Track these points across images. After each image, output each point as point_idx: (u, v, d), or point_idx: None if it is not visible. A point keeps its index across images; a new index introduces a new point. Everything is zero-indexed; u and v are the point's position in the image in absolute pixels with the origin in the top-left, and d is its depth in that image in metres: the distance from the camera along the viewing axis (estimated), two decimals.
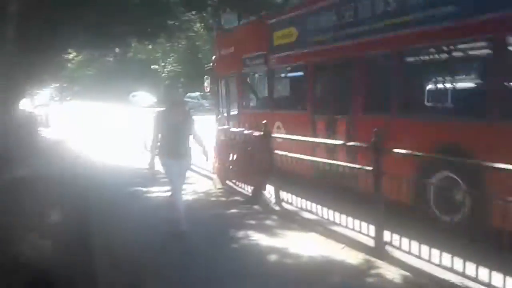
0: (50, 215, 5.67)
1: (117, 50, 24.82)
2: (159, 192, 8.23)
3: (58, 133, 17.72)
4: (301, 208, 6.25)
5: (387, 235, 4.76)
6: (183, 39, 34.55)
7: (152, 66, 44.52)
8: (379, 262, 4.56)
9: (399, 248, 4.61)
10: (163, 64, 43.71)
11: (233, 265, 4.58)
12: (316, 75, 8.13)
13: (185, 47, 41.17)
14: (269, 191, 7.07)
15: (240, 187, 7.97)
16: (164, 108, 5.83)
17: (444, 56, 5.86)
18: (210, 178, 9.07)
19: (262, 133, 7.15)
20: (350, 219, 5.24)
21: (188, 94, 36.45)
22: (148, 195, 8.15)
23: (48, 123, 21.28)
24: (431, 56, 6.09)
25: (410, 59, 6.39)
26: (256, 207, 6.95)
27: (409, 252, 4.48)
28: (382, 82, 6.65)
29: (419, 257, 4.36)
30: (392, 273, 4.31)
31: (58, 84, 26.87)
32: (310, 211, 6.01)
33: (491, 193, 4.06)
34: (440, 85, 6.02)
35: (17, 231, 4.45)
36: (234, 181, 8.31)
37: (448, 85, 5.91)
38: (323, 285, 4.14)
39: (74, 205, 6.33)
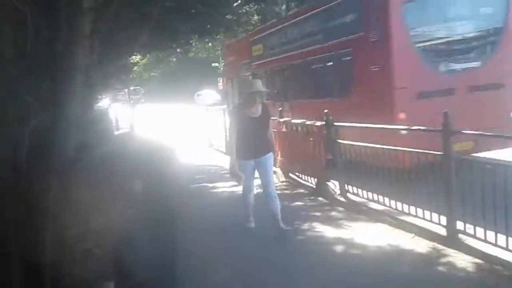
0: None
1: (178, 50, 25.58)
2: (224, 187, 8.42)
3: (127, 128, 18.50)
4: (368, 199, 6.10)
5: (460, 224, 4.54)
6: (241, 33, 34.92)
7: (212, 64, 45.36)
8: (451, 251, 4.37)
9: (473, 236, 4.39)
10: (223, 61, 44.40)
11: (298, 257, 4.58)
12: (272, 76, 12.23)
13: None
14: (333, 182, 6.98)
15: (304, 180, 7.93)
16: (241, 102, 5.53)
17: (320, 64, 9.49)
18: (274, 172, 9.08)
19: (324, 122, 7.06)
20: (420, 208, 5.06)
21: None
22: (214, 190, 8.33)
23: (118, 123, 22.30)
24: (313, 64, 9.79)
25: (306, 66, 10.13)
26: (321, 199, 6.89)
27: (484, 240, 4.25)
28: (301, 79, 10.53)
29: (495, 244, 4.13)
30: (465, 261, 4.12)
31: (132, 87, 28.02)
32: (377, 202, 5.85)
33: None
34: (322, 81, 9.57)
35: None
36: (297, 173, 8.29)
37: (323, 81, 9.48)
38: (392, 275, 4.03)
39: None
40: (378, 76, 7.43)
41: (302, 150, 7.87)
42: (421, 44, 7.28)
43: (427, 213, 4.95)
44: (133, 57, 19.20)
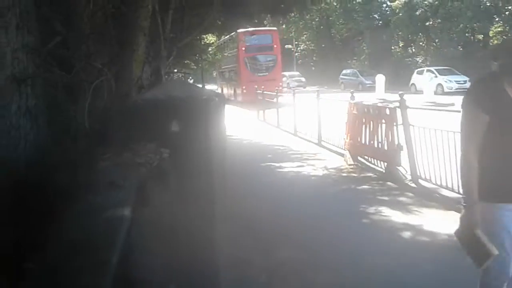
0: None
1: None
2: (291, 167, 8.42)
3: None
4: (440, 185, 5.80)
5: None
6: (315, 13, 34.32)
7: (286, 46, 45.16)
8: None
9: None
10: (296, 43, 43.98)
11: (363, 240, 4.46)
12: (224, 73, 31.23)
13: (318, 23, 40.84)
14: (404, 167, 6.71)
15: (373, 163, 7.71)
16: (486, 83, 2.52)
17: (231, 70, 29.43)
18: (341, 155, 8.92)
19: (397, 105, 6.78)
20: None
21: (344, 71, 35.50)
22: (280, 170, 8.35)
23: None
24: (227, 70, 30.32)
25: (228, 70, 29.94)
26: (389, 183, 6.65)
27: None
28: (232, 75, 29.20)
29: None
30: None
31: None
32: (451, 189, 5.55)
33: None
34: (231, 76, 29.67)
35: None
36: (366, 156, 8.06)
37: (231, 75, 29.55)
38: (460, 265, 3.79)
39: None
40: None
41: (373, 133, 7.63)
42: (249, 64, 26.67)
43: None
44: (207, 38, 19.55)
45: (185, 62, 15.61)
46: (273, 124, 14.70)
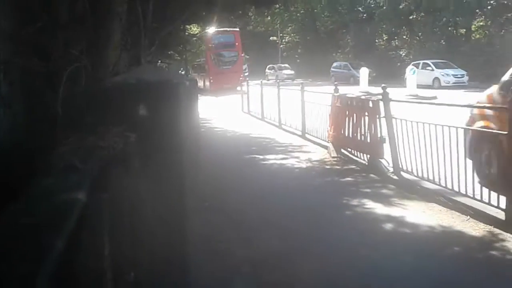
0: None
1: (238, 23, 25.67)
2: (275, 159, 8.43)
3: None
4: (422, 178, 5.85)
5: None
6: (300, 5, 34.28)
7: (270, 38, 45.05)
8: (507, 236, 4.12)
9: None
10: (281, 35, 43.90)
11: (346, 232, 4.49)
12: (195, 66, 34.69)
13: (303, 16, 40.78)
14: (386, 160, 6.76)
15: (356, 156, 7.75)
16: None
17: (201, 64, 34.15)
18: (325, 147, 8.96)
19: (380, 97, 6.82)
20: (478, 189, 4.79)
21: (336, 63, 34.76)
22: (264, 162, 8.35)
23: None
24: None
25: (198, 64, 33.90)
26: (372, 175, 6.70)
27: None
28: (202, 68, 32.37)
29: None
30: None
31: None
32: (432, 181, 5.61)
33: None
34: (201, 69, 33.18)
35: None
36: (349, 149, 8.10)
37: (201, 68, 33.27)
38: (442, 257, 3.86)
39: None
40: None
41: (356, 126, 7.67)
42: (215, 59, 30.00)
43: (485, 194, 4.69)
44: (192, 28, 19.39)
45: (169, 52, 15.46)
46: (258, 116, 14.68)
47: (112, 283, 1.44)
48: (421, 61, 26.71)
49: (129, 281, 1.70)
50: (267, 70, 42.10)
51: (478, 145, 5.50)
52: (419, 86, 22.62)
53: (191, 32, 19.77)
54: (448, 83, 24.34)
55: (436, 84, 24.71)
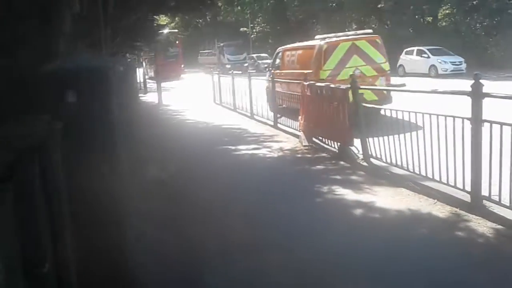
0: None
1: (207, 13, 25.41)
2: (246, 150, 8.42)
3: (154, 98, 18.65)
4: (391, 163, 5.95)
5: (485, 190, 4.38)
6: None
7: (241, 29, 44.79)
8: (473, 217, 4.24)
9: (498, 203, 4.24)
10: (251, 25, 43.71)
11: (316, 219, 4.53)
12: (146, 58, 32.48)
13: (273, 5, 40.67)
14: (356, 147, 6.84)
15: (327, 144, 7.81)
16: None
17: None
18: (297, 136, 9.00)
19: (348, 86, 6.87)
20: (444, 173, 4.90)
21: None
22: (236, 153, 8.34)
23: (146, 91, 22.52)
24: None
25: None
26: (342, 163, 6.77)
27: (509, 207, 4.10)
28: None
29: None
30: (487, 227, 4.00)
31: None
32: (400, 167, 5.71)
33: None
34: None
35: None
36: (320, 137, 8.16)
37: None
38: (409, 239, 3.94)
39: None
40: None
41: (326, 114, 7.72)
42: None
43: (451, 178, 4.80)
44: (161, 19, 19.07)
45: (137, 43, 15.21)
46: (230, 107, 14.62)
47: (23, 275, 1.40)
48: (415, 48, 24.81)
49: (43, 273, 1.66)
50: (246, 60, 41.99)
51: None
52: (414, 75, 21.58)
53: (161, 23, 19.46)
54: (446, 71, 22.48)
55: (433, 72, 22.89)
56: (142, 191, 5.13)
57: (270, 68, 12.91)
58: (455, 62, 22.74)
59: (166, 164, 6.74)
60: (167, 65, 30.56)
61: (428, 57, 23.44)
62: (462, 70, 22.37)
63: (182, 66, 33.38)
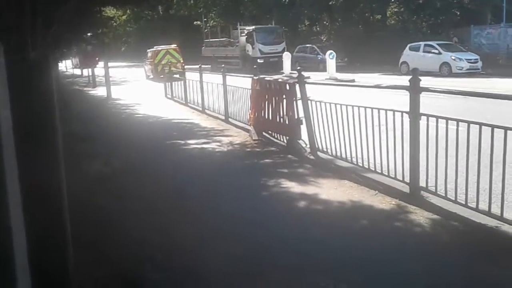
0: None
1: (160, 7, 24.94)
2: (196, 144, 8.35)
3: (103, 92, 18.14)
4: (336, 156, 6.08)
5: (423, 181, 4.56)
6: None
7: (194, 22, 44.30)
8: (411, 208, 4.40)
9: (435, 193, 4.42)
10: (205, 19, 43.32)
11: (262, 212, 4.56)
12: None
13: (226, 0, 40.49)
14: (304, 140, 6.93)
15: (276, 138, 7.88)
16: None
17: None
18: (248, 131, 9.01)
19: (296, 80, 6.95)
20: (385, 165, 5.06)
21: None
22: (185, 147, 8.25)
23: (95, 85, 21.84)
24: None
25: None
26: (290, 156, 6.85)
27: (445, 197, 4.29)
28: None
29: (455, 201, 4.17)
30: (424, 217, 4.15)
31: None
32: (345, 159, 5.84)
33: None
34: None
35: None
36: (270, 131, 8.21)
37: None
38: (350, 229, 4.04)
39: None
40: None
41: (275, 109, 7.77)
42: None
43: (392, 170, 4.96)
44: (109, 11, 18.55)
45: (86, 35, 14.72)
46: (181, 102, 14.44)
47: None
48: (422, 43, 21.86)
49: None
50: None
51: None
52: (421, 74, 18.66)
53: (108, 15, 18.90)
54: (461, 70, 19.55)
55: (445, 70, 19.89)
56: (84, 187, 4.98)
57: (146, 60, 26.67)
58: (470, 59, 20.06)
59: (110, 160, 6.57)
60: (87, 57, 29.31)
61: (439, 53, 20.42)
62: (478, 68, 20.00)
63: (97, 58, 30.97)
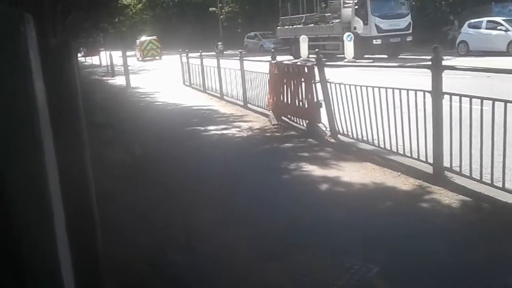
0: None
1: None
2: (216, 130, 8.38)
3: (122, 81, 18.27)
4: (357, 139, 6.03)
5: (447, 161, 4.50)
6: None
7: (210, 8, 44.11)
8: (436, 188, 4.34)
9: (459, 173, 4.36)
10: (220, 5, 43.09)
11: (283, 194, 4.57)
12: None
13: None
14: (324, 124, 6.89)
15: (296, 122, 7.84)
16: None
17: None
18: (267, 115, 8.98)
19: (314, 63, 6.88)
20: (408, 146, 4.99)
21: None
22: (205, 133, 8.28)
23: (113, 74, 22.01)
24: None
25: None
26: (310, 140, 6.82)
27: (470, 177, 4.22)
28: None
29: (480, 181, 4.10)
30: (448, 197, 4.10)
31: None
32: (366, 142, 5.79)
33: None
34: None
35: None
36: (289, 116, 8.18)
37: None
38: (374, 211, 4.02)
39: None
40: None
41: (294, 92, 7.72)
42: None
43: (415, 151, 4.89)
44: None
45: (103, 25, 14.82)
46: (200, 89, 14.47)
47: None
48: (484, 19, 19.12)
49: None
50: (246, 39, 36.61)
51: None
52: (484, 54, 17.19)
53: (125, 3, 18.96)
54: None
55: None
56: (108, 174, 5.05)
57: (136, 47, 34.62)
58: None
59: (133, 147, 6.64)
60: (90, 47, 31.56)
61: (507, 30, 17.99)
62: None
63: (100, 48, 32.84)
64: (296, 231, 3.66)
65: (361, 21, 20.20)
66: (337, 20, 21.56)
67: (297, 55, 21.92)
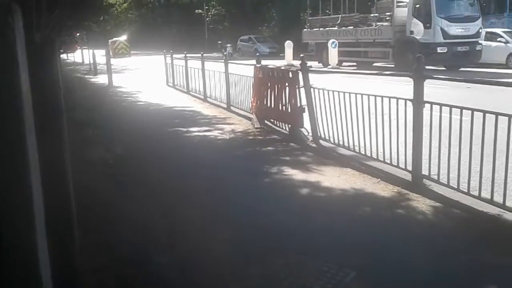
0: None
1: None
2: (198, 132, 8.36)
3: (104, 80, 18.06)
4: (339, 145, 6.09)
5: (425, 169, 4.57)
6: None
7: (196, 11, 44.06)
8: (413, 195, 4.41)
9: (437, 182, 4.44)
10: (206, 7, 43.08)
11: (264, 198, 4.57)
12: None
13: None
14: (306, 128, 6.94)
15: (278, 126, 7.88)
16: None
17: None
18: (250, 119, 9.00)
19: (299, 67, 6.93)
20: (388, 153, 5.06)
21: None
22: (187, 134, 8.25)
23: (96, 72, 21.75)
24: None
25: None
26: (292, 144, 6.85)
27: (447, 185, 4.30)
28: None
29: (458, 190, 4.18)
30: (425, 205, 4.17)
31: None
32: (348, 147, 5.85)
33: None
34: None
35: None
36: (272, 119, 8.21)
37: None
38: (352, 216, 4.06)
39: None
40: None
41: (277, 96, 7.76)
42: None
43: (394, 159, 4.97)
44: None
45: (87, 23, 14.62)
46: (183, 90, 14.42)
47: None
48: (483, 30, 17.92)
49: None
50: (239, 42, 35.38)
51: None
52: (483, 66, 16.68)
53: (110, 2, 18.79)
54: None
55: None
56: (87, 173, 4.99)
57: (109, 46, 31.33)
58: None
59: (113, 146, 6.58)
60: (67, 43, 33.86)
61: (506, 42, 17.64)
62: None
63: (76, 45, 33.04)
64: (276, 235, 3.68)
65: (420, 24, 16.68)
66: (385, 24, 18.28)
67: (327, 62, 19.19)
